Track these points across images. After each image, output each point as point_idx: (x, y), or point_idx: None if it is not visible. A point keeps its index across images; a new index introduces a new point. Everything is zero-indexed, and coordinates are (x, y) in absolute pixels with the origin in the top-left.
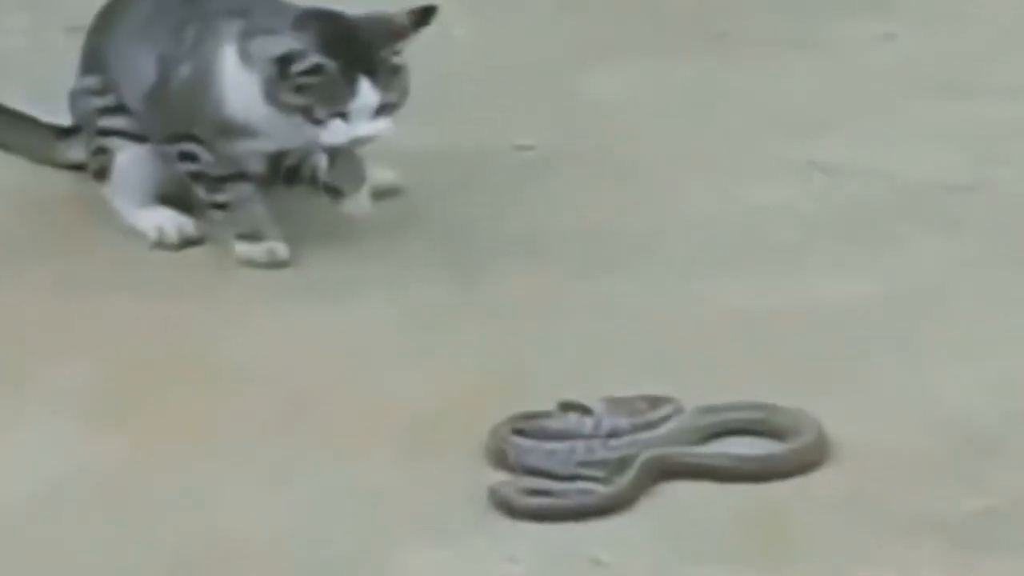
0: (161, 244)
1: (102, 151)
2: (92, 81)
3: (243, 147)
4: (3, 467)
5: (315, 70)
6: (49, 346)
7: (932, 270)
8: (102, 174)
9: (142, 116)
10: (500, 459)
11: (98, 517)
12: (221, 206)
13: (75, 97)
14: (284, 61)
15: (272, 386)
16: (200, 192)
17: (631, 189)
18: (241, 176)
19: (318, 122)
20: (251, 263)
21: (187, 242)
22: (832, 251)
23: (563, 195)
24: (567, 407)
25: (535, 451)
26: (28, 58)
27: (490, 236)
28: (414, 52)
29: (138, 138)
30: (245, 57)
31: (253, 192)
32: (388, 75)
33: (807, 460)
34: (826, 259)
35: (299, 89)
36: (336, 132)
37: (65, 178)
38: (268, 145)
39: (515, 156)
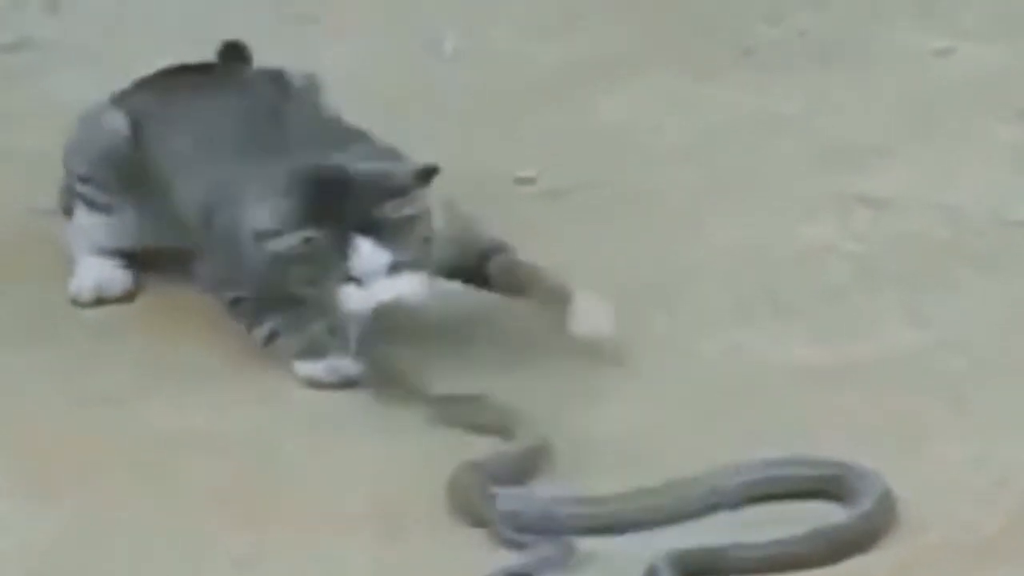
0: (75, 300)
1: (71, 190)
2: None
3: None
4: None
5: (298, 244)
6: None
7: (993, 316)
8: (69, 211)
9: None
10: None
11: None
12: (271, 337)
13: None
14: (263, 239)
15: (233, 458)
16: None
17: (648, 228)
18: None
19: (327, 293)
20: (316, 383)
21: (100, 301)
22: (880, 296)
23: (570, 235)
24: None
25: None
26: None
27: None
28: (396, 70)
29: (104, 209)
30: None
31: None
32: (393, 231)
33: (870, 533)
34: (873, 304)
35: (292, 263)
36: (353, 300)
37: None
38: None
39: (515, 190)
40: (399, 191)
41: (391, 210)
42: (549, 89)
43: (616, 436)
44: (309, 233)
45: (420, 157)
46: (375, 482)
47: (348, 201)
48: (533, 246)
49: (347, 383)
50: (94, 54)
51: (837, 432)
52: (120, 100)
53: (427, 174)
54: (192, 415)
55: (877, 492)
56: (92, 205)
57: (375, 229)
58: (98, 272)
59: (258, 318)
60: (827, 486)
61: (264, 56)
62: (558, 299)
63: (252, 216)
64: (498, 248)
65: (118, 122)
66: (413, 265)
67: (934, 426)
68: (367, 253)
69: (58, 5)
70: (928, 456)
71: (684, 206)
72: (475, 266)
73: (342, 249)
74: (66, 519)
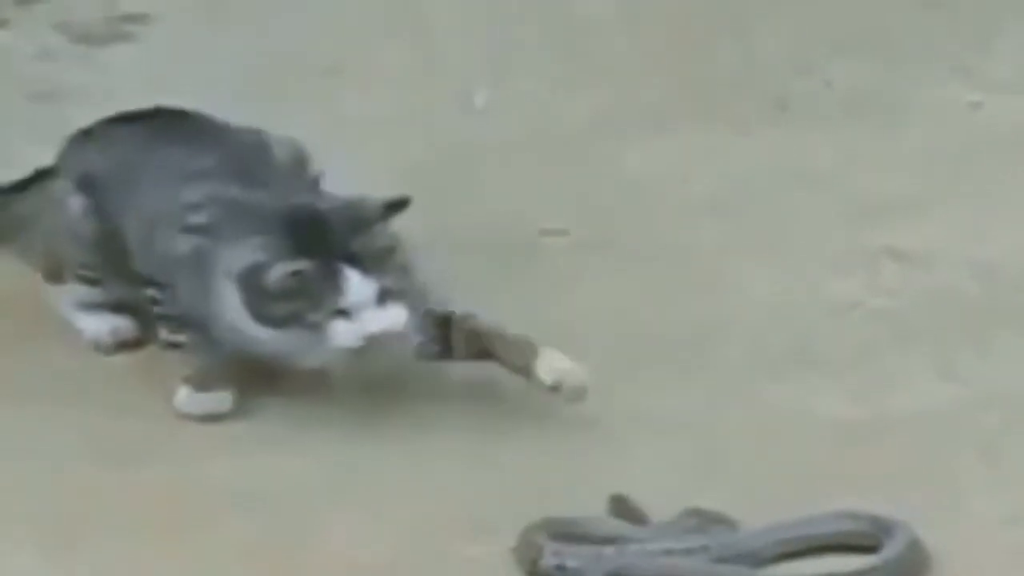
0: (97, 347)
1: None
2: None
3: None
4: None
5: (289, 276)
6: (5, 467)
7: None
8: (56, 277)
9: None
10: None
11: None
12: (176, 346)
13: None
14: (251, 275)
15: (259, 510)
16: (162, 332)
17: (677, 282)
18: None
19: (315, 327)
20: (186, 415)
21: (122, 345)
22: (912, 351)
23: (598, 288)
24: (619, 505)
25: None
26: None
27: None
28: (429, 122)
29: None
30: (227, 278)
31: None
32: (375, 260)
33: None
34: (905, 360)
35: (281, 298)
36: (343, 333)
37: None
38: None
39: (543, 243)
40: (368, 223)
41: (367, 242)
42: (579, 142)
43: (646, 492)
44: (299, 265)
45: (446, 208)
46: (402, 534)
47: (325, 236)
48: (560, 299)
49: (215, 418)
50: (126, 105)
51: (868, 487)
52: (71, 166)
53: (396, 206)
54: (216, 467)
55: (902, 542)
56: (83, 279)
57: (356, 262)
58: (109, 320)
59: (174, 327)
60: (860, 540)
61: (289, 109)
62: (524, 355)
63: (232, 257)
64: (456, 313)
65: (76, 206)
66: (397, 295)
67: (966, 482)
68: (356, 282)
69: (91, 55)
70: (960, 512)
71: (714, 260)
72: (438, 335)
73: (329, 282)
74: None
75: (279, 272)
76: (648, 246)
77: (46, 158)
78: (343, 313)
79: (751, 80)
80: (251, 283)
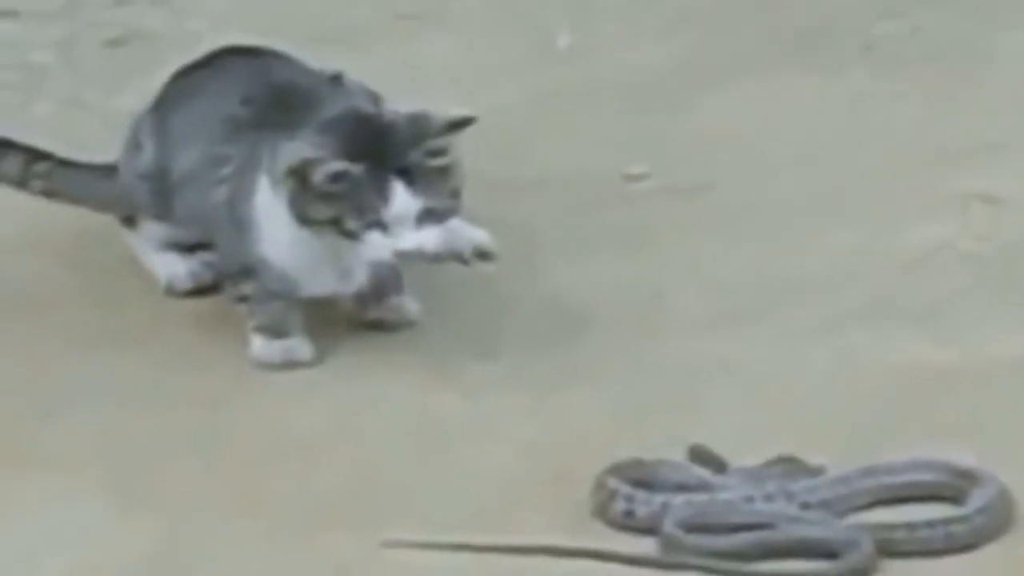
0: (171, 290)
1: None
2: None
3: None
4: (31, 552)
5: (338, 177)
6: (80, 413)
7: None
8: (131, 220)
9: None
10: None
11: None
12: (244, 299)
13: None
14: (300, 170)
15: (334, 464)
16: (227, 287)
17: (761, 228)
18: None
19: (351, 235)
20: (263, 365)
21: (200, 290)
22: (1000, 297)
23: (680, 236)
24: (698, 455)
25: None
26: (61, 72)
27: (593, 286)
28: (511, 65)
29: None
30: (273, 180)
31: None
32: (427, 177)
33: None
34: (993, 306)
35: (325, 199)
36: (375, 245)
37: (103, 223)
38: (303, 293)
39: (625, 188)
40: (426, 137)
41: (424, 157)
42: (662, 87)
43: (728, 441)
44: (348, 167)
45: (528, 151)
46: (478, 486)
47: (383, 144)
48: (641, 245)
49: (294, 366)
50: (202, 47)
51: (954, 436)
52: (157, 100)
53: (461, 123)
54: (291, 413)
55: (991, 492)
56: (154, 217)
57: (407, 175)
58: (186, 262)
59: (239, 280)
60: (945, 492)
61: (366, 54)
62: None
63: (284, 154)
64: None
65: (146, 137)
66: (440, 216)
67: None
68: (401, 197)
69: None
70: None
71: (798, 206)
72: None
73: (375, 190)
74: (163, 528)
75: (328, 170)
76: (732, 192)
77: (122, 104)
78: (380, 225)
79: (836, 26)
80: (300, 177)
